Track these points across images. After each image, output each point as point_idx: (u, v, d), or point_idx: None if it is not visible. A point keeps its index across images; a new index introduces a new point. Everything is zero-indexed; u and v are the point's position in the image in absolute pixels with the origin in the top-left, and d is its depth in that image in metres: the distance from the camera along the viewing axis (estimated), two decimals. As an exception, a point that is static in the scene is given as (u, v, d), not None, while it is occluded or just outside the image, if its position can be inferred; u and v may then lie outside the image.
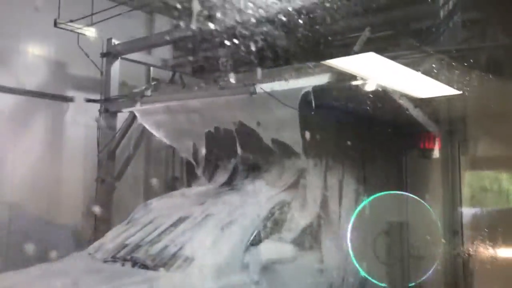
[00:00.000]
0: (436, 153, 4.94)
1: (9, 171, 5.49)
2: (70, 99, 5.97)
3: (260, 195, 4.26)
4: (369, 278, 3.55)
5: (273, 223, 3.98)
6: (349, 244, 3.55)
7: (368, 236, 3.56)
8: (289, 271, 3.75)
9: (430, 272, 3.50)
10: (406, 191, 4.21)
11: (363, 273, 3.64)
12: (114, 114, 5.84)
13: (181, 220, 4.09)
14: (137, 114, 5.17)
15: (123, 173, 5.93)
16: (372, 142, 4.73)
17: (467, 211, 4.54)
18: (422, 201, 3.69)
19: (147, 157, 6.41)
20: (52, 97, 5.84)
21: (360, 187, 4.47)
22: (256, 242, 3.73)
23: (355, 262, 3.57)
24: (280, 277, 3.70)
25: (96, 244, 4.19)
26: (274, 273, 3.66)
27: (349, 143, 4.59)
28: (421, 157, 5.02)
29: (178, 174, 6.26)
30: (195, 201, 4.37)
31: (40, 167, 5.73)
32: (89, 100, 5.84)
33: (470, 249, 4.16)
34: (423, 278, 3.51)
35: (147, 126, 5.09)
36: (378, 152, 4.88)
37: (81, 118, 6.00)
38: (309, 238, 4.14)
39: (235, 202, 4.18)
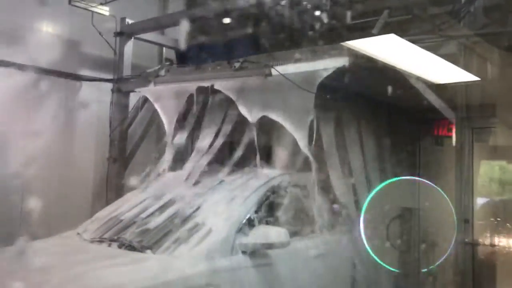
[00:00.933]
0: (450, 141, 4.90)
1: (22, 149, 5.50)
2: (83, 78, 5.95)
3: (261, 178, 4.14)
4: (382, 263, 3.54)
5: (269, 207, 3.87)
6: (362, 230, 3.53)
7: (381, 222, 3.54)
8: (282, 256, 3.64)
9: (442, 259, 3.47)
10: (420, 178, 4.18)
11: (375, 259, 3.63)
12: (126, 94, 5.83)
13: (171, 202, 4.00)
14: (148, 96, 5.15)
15: (135, 152, 5.93)
16: (387, 127, 4.69)
17: (478, 200, 4.52)
18: (437, 188, 3.66)
19: (159, 137, 6.40)
20: (65, 75, 5.82)
21: (373, 173, 4.44)
22: (249, 225, 3.61)
23: (367, 247, 3.55)
24: (272, 262, 3.60)
25: (86, 223, 4.11)
26: (266, 257, 3.56)
27: (363, 128, 4.55)
28: (436, 144, 4.99)
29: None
30: (190, 183, 4.27)
31: (52, 145, 5.74)
32: (101, 80, 5.82)
33: (480, 237, 4.14)
34: (435, 264, 3.49)
35: (157, 108, 5.06)
36: (393, 137, 4.83)
37: (94, 97, 5.99)
38: (312, 223, 4.05)
39: (232, 185, 4.09)
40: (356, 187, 4.19)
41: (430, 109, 4.33)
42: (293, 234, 3.76)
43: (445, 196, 3.62)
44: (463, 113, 4.41)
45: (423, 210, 3.54)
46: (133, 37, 5.79)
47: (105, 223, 3.95)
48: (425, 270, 3.47)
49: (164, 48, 6.51)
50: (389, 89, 4.32)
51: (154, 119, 5.99)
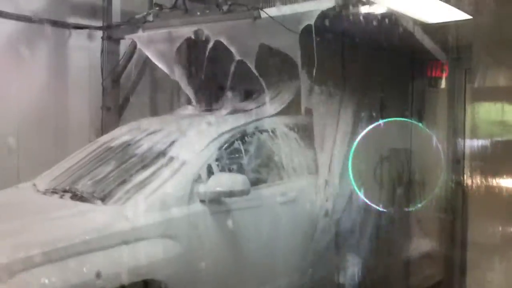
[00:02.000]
0: (443, 82, 4.86)
1: (14, 100, 5.48)
2: (71, 26, 5.85)
3: (228, 121, 4.02)
4: (369, 203, 3.60)
5: (232, 153, 3.74)
6: (350, 170, 3.56)
7: (369, 162, 3.57)
8: (243, 204, 3.54)
9: (430, 198, 3.53)
10: (411, 119, 4.18)
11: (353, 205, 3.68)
12: (116, 41, 5.76)
13: (133, 147, 3.88)
14: (137, 42, 5.08)
15: (128, 101, 5.93)
16: (378, 69, 4.64)
17: (470, 141, 4.54)
18: (426, 129, 3.67)
19: (152, 84, 6.37)
20: (53, 23, 5.72)
21: (363, 114, 4.42)
22: (208, 173, 3.50)
23: (355, 187, 3.60)
24: (232, 210, 3.52)
25: (45, 173, 4.01)
26: (225, 206, 3.49)
27: (353, 69, 4.51)
28: (428, 85, 4.95)
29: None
30: (160, 127, 4.15)
31: (44, 96, 5.72)
32: (90, 27, 5.73)
33: (470, 178, 4.19)
34: (423, 203, 3.55)
35: (148, 54, 5.01)
36: (384, 79, 4.79)
37: (84, 46, 5.91)
38: (280, 170, 3.96)
39: (199, 128, 3.95)
40: (344, 129, 4.18)
41: (422, 50, 4.28)
42: (258, 181, 3.70)
43: (434, 136, 3.64)
44: (455, 54, 4.36)
45: (411, 151, 3.55)
46: (121, -18, 5.66)
47: (63, 173, 3.85)
48: (410, 209, 3.52)
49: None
50: (379, 30, 4.25)
51: (146, 66, 5.95)
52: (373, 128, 3.68)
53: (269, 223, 3.72)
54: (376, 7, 3.84)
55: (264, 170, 3.83)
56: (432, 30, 4.05)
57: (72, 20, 5.82)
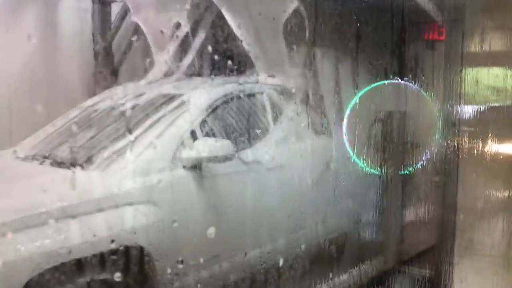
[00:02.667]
0: (441, 45, 4.79)
1: (3, 65, 5.39)
2: (61, -12, 5.71)
3: (214, 85, 3.90)
4: (362, 165, 3.59)
5: (217, 118, 3.63)
6: (344, 132, 3.54)
7: (363, 124, 3.54)
8: (228, 169, 3.46)
9: (423, 160, 3.52)
10: (407, 82, 4.13)
11: (356, 162, 3.67)
12: (108, 4, 5.64)
13: (115, 111, 3.81)
14: (128, 4, 4.98)
15: (121, 65, 5.85)
16: (373, 30, 4.55)
17: (465, 106, 4.50)
18: (421, 91, 3.63)
19: (145, 48, 6.26)
20: (43, -14, 5.59)
21: (359, 77, 4.37)
22: (192, 138, 3.40)
23: (349, 149, 3.58)
24: (216, 176, 3.44)
25: (28, 140, 3.94)
26: (209, 172, 3.39)
27: (347, 31, 4.42)
28: (425, 48, 4.88)
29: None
30: (143, 91, 4.04)
31: (35, 61, 5.62)
32: (81, -10, 5.59)
33: (464, 141, 4.18)
34: (416, 165, 3.54)
35: (137, 18, 4.90)
36: (380, 41, 4.71)
37: (75, 9, 5.78)
38: (267, 134, 3.85)
39: (183, 94, 3.83)
40: (339, 93, 4.14)
41: (418, 11, 4.19)
42: (244, 146, 3.62)
43: (429, 99, 3.60)
44: (452, 16, 4.27)
45: (406, 113, 3.52)
46: None
47: (44, 139, 3.79)
48: (405, 171, 3.52)
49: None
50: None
51: (138, 29, 5.84)
52: (368, 90, 3.63)
53: (255, 189, 3.64)
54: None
55: (251, 135, 3.77)
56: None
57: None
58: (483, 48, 4.73)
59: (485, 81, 4.75)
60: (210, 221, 3.31)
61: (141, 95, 3.89)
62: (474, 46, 4.70)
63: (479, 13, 4.25)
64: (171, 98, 3.66)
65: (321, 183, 3.91)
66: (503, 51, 4.58)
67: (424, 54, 4.83)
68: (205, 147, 3.29)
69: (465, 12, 4.42)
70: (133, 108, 3.73)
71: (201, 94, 3.66)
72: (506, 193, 4.12)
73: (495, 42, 4.57)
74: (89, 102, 4.29)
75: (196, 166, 3.31)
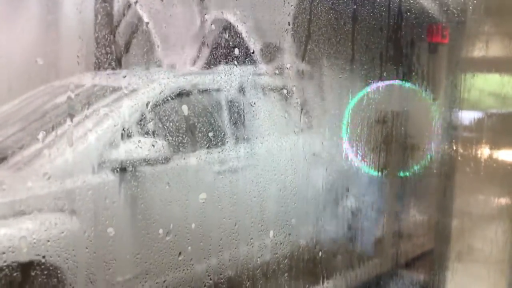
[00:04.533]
0: (443, 48, 4.77)
1: (6, 55, 5.36)
2: (65, -23, 5.68)
3: (159, 79, 3.54)
4: (362, 166, 3.57)
5: (160, 115, 3.26)
6: (345, 132, 3.52)
7: (363, 125, 3.52)
8: (165, 173, 3.13)
9: (423, 163, 3.51)
10: (408, 84, 4.11)
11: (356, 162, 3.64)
12: (111, -6, 5.60)
13: (48, 104, 3.46)
14: (132, -6, 4.94)
15: (123, 56, 5.82)
16: (375, 33, 4.52)
17: (466, 111, 4.50)
18: (422, 92, 3.61)
19: (148, 38, 6.24)
20: (46, -27, 5.56)
21: (359, 80, 4.33)
22: (126, 137, 3.02)
23: (348, 151, 3.56)
24: (151, 181, 3.06)
25: None
26: (142, 176, 3.01)
27: (347, 32, 4.40)
28: (428, 51, 4.85)
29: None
30: (86, 82, 3.66)
31: (38, 50, 5.60)
32: (85, -22, 5.56)
33: (463, 146, 4.17)
34: (415, 167, 3.53)
35: (138, 8, 4.86)
36: (381, 44, 4.68)
37: (76, 1, 5.76)
38: (220, 134, 3.54)
39: (124, 86, 3.41)
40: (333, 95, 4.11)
41: (422, 13, 4.17)
42: (190, 147, 3.29)
43: (430, 101, 3.59)
44: (457, 18, 4.25)
45: (405, 115, 3.50)
46: None
47: None
48: (404, 173, 3.51)
49: None
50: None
51: (141, 19, 5.81)
52: (369, 91, 3.61)
53: (196, 196, 3.27)
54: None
55: (198, 136, 3.40)
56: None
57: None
58: (486, 53, 4.72)
59: (487, 87, 4.74)
60: (139, 233, 2.99)
61: (81, 86, 3.53)
62: (477, 51, 4.69)
63: (483, 17, 4.24)
64: (111, 90, 3.32)
65: (290, 188, 3.65)
66: (507, 56, 4.57)
67: (426, 57, 4.81)
68: (136, 148, 2.95)
69: (467, 16, 4.41)
70: (66, 101, 3.26)
71: (145, 88, 3.32)
72: (504, 199, 4.12)
73: (497, 47, 4.56)
74: (29, 94, 3.92)
75: (125, 169, 2.94)
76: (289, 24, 4.07)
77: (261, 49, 4.51)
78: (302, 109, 4.03)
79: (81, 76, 3.79)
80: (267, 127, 3.85)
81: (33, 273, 2.56)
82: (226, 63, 4.14)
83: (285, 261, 3.80)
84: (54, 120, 3.11)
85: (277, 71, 4.16)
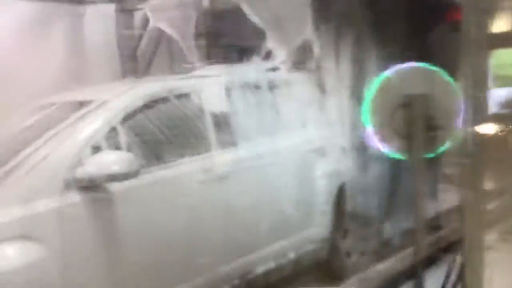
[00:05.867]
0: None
1: (32, 80, 5.57)
2: (86, 2, 5.90)
3: (135, 86, 3.37)
4: (386, 152, 3.52)
5: (132, 125, 3.01)
6: (366, 117, 3.46)
7: (386, 109, 3.47)
8: (138, 189, 2.87)
9: (447, 144, 3.44)
10: (433, 65, 4.04)
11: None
12: (130, 13, 5.79)
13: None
14: (147, 11, 5.10)
15: (146, 72, 5.98)
16: (396, 15, 4.47)
17: (492, 90, 4.36)
18: (444, 74, 3.54)
19: (170, 54, 6.38)
20: (69, 1, 5.78)
21: (381, 63, 4.27)
22: (94, 153, 2.82)
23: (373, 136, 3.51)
24: (122, 198, 2.84)
25: None
26: (109, 193, 2.79)
27: (368, 17, 4.36)
28: (449, 31, 4.75)
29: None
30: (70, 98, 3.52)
31: (63, 73, 5.80)
32: (103, 1, 5.77)
33: (492, 125, 4.05)
34: (441, 149, 3.46)
35: (155, 22, 5.01)
36: (403, 25, 4.61)
37: (99, 21, 5.96)
38: (200, 142, 3.27)
39: (95, 96, 3.28)
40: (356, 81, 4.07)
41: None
42: (168, 156, 3.07)
43: (452, 82, 3.51)
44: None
45: (428, 97, 3.45)
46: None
47: None
48: (429, 155, 3.44)
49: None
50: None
51: (161, 35, 5.96)
52: (390, 73, 3.57)
53: (182, 208, 3.05)
54: None
55: (180, 142, 3.19)
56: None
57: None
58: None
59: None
60: (111, 258, 2.73)
61: (51, 105, 3.39)
62: (497, 26, 4.55)
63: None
64: (79, 105, 3.17)
65: (287, 196, 3.44)
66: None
67: (448, 37, 4.71)
68: (101, 163, 2.72)
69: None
70: (36, 120, 3.24)
71: (114, 99, 3.11)
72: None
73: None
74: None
75: (90, 188, 2.72)
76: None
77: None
78: None
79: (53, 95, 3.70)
80: None
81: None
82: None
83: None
84: (25, 139, 2.99)
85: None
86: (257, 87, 3.73)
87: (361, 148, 3.75)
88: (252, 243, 3.32)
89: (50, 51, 5.72)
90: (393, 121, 3.40)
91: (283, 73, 3.91)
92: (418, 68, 3.66)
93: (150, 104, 3.16)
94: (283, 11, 4.18)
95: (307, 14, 3.97)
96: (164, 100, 3.25)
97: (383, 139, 3.47)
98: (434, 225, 4.05)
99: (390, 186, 3.89)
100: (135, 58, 5.90)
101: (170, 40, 5.94)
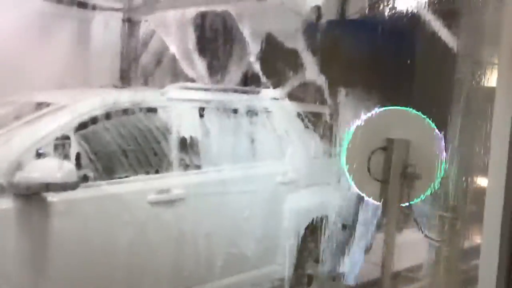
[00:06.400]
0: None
1: (36, 79, 5.61)
2: (94, 7, 5.95)
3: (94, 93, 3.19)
4: (363, 195, 3.42)
5: (85, 136, 2.87)
6: (344, 160, 3.37)
7: (364, 151, 3.37)
8: (80, 204, 2.74)
9: (425, 193, 3.31)
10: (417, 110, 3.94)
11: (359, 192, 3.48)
12: (136, 23, 5.82)
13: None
14: (152, 23, 5.12)
15: (145, 83, 5.99)
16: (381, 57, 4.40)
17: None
18: (428, 119, 3.44)
19: (172, 65, 6.38)
20: (76, 4, 5.83)
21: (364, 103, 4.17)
22: (37, 158, 2.69)
23: (349, 179, 3.41)
24: (60, 210, 2.69)
25: None
26: (49, 204, 2.63)
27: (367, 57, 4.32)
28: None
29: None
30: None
31: (65, 75, 5.83)
32: (112, 9, 5.82)
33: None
34: (418, 198, 3.34)
35: (161, 35, 5.03)
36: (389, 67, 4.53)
37: (105, 27, 6.00)
38: (159, 160, 3.10)
39: (57, 99, 3.14)
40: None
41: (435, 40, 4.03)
42: (121, 171, 2.91)
43: (435, 128, 3.40)
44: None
45: (409, 142, 3.34)
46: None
47: None
48: (406, 204, 3.32)
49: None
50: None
51: (165, 48, 5.97)
52: (369, 115, 3.48)
53: (127, 228, 2.87)
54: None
55: (137, 158, 3.00)
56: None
57: (95, 1, 5.93)
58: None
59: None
60: (38, 273, 2.56)
61: (11, 103, 3.26)
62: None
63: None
64: (37, 106, 3.05)
65: (248, 218, 3.29)
66: None
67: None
68: (39, 170, 2.58)
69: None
70: None
71: (73, 104, 2.97)
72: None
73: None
74: None
75: (26, 195, 2.57)
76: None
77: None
78: None
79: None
80: None
81: None
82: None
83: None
84: None
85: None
86: (235, 111, 3.60)
87: (338, 188, 3.65)
88: (203, 274, 3.12)
89: (54, 50, 5.77)
90: (370, 164, 3.31)
91: (266, 100, 3.80)
92: (401, 111, 3.57)
93: (111, 114, 3.02)
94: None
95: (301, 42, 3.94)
96: (128, 111, 3.11)
97: (359, 181, 3.37)
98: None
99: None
100: (136, 68, 5.91)
101: (171, 54, 5.95)
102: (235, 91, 3.76)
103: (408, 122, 3.39)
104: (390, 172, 3.29)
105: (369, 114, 3.48)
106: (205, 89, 3.66)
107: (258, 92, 3.79)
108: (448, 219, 3.74)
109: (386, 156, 3.32)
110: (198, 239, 3.09)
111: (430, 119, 3.46)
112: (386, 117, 3.45)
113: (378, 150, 3.33)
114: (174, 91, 3.54)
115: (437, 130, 3.37)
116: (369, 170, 3.31)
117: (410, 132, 3.34)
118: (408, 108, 3.47)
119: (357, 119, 3.63)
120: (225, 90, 3.73)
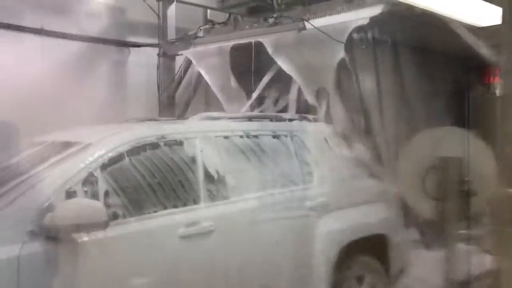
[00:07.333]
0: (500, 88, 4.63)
1: (76, 117, 5.77)
2: (130, 44, 6.15)
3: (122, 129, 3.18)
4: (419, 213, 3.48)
5: (115, 173, 2.81)
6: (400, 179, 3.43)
7: (418, 172, 3.44)
8: (113, 241, 2.65)
9: (480, 209, 3.36)
10: (468, 127, 4.00)
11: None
12: (172, 57, 5.99)
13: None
14: (190, 57, 5.27)
15: (183, 115, 6.11)
16: (432, 77, 4.50)
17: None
18: (479, 137, 3.50)
19: (207, 98, 6.54)
20: (113, 43, 6.04)
21: (417, 124, 4.24)
22: (67, 198, 2.64)
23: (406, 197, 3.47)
24: (93, 250, 2.63)
25: None
26: (71, 243, 2.57)
27: (405, 78, 4.41)
28: (486, 92, 4.73)
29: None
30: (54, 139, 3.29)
31: (105, 110, 6.00)
32: (147, 45, 6.00)
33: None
34: (474, 214, 3.38)
35: (199, 69, 5.17)
36: (439, 87, 4.62)
37: (142, 63, 6.19)
38: (190, 193, 3.03)
39: (84, 138, 3.07)
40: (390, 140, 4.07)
41: (476, 55, 4.11)
42: (148, 207, 2.84)
43: (487, 146, 3.46)
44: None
45: (463, 160, 3.40)
46: (175, 1, 5.90)
47: None
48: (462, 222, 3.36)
49: (208, 10, 6.57)
50: (431, 36, 4.15)
51: (200, 81, 6.14)
52: (422, 135, 3.55)
53: (158, 265, 2.80)
54: (424, 13, 3.75)
55: (165, 192, 2.95)
56: (485, 33, 3.90)
57: (131, 39, 6.15)
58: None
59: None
60: None
61: (40, 144, 3.21)
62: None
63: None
64: (64, 146, 3.00)
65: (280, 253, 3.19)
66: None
67: (484, 98, 4.68)
68: (71, 211, 2.53)
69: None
70: (22, 158, 3.09)
71: (98, 142, 2.92)
72: None
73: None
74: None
75: (56, 238, 2.51)
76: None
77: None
78: None
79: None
80: None
81: None
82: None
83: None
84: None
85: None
86: (260, 137, 3.51)
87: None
88: None
89: (94, 87, 5.95)
90: (425, 183, 3.36)
91: (290, 123, 3.88)
92: (453, 130, 3.64)
93: (137, 150, 2.97)
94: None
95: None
96: (153, 146, 3.05)
97: (414, 200, 3.43)
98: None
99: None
100: (173, 100, 6.06)
101: (207, 86, 6.12)
102: (261, 118, 3.83)
103: (458, 140, 3.46)
104: (446, 189, 3.35)
105: (421, 133, 3.58)
106: (229, 118, 3.70)
107: (284, 120, 3.85)
108: (504, 232, 3.76)
109: (440, 174, 3.38)
110: (230, 272, 3.05)
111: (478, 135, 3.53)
112: (435, 136, 3.53)
113: (432, 169, 3.39)
114: (197, 122, 3.58)
115: (488, 146, 3.43)
116: (424, 188, 3.38)
117: (461, 149, 3.41)
118: (456, 127, 3.55)
119: (406, 139, 3.72)
120: (249, 118, 3.76)
